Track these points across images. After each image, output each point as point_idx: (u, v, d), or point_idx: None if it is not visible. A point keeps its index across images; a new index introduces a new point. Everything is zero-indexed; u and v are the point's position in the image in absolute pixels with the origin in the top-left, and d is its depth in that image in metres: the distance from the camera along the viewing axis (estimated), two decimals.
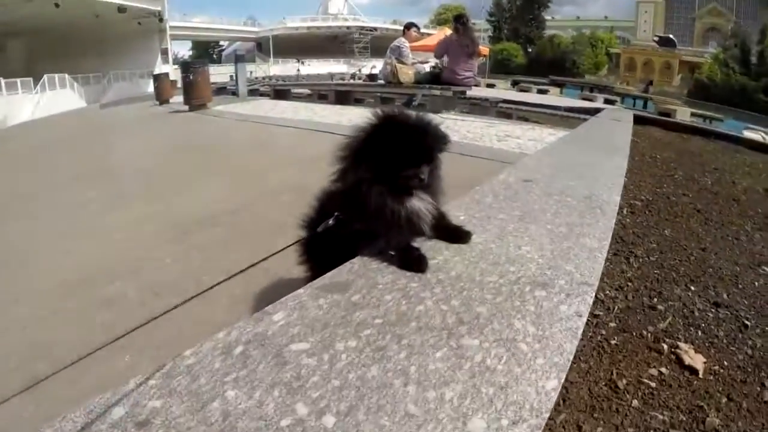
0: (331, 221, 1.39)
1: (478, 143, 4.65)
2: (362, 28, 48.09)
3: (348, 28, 48.25)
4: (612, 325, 1.68)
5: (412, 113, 1.34)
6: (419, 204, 1.34)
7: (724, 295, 1.93)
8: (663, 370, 1.42)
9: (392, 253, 1.36)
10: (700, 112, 15.79)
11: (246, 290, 1.96)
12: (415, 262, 1.33)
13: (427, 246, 1.45)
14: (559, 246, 1.54)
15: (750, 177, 4.48)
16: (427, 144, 1.31)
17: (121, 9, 26.74)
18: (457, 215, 1.76)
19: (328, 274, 1.31)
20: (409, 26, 7.99)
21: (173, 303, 1.92)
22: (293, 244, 1.49)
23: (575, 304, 1.21)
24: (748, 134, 8.56)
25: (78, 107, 21.95)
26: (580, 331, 1.11)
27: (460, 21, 7.01)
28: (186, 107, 8.46)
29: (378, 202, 1.27)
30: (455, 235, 1.52)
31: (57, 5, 23.42)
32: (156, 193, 3.68)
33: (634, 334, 1.62)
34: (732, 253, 2.44)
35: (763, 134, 9.19)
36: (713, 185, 3.96)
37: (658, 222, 2.87)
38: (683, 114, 11.15)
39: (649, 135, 6.35)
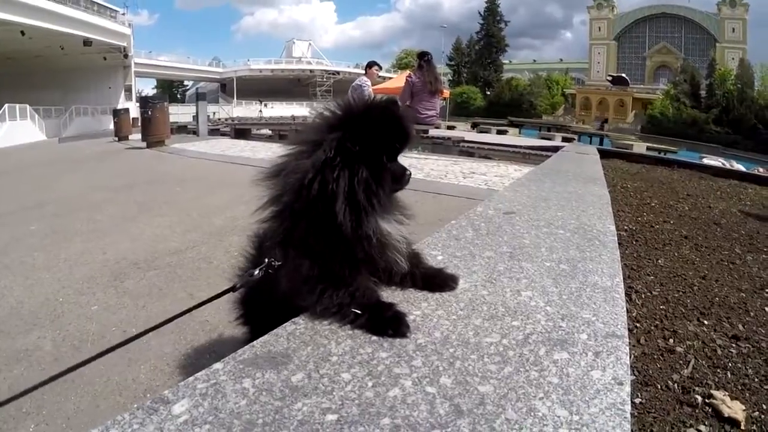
0: (256, 272, 1.00)
1: (444, 180, 4.54)
2: (325, 71, 48.85)
3: (311, 71, 48.93)
4: (631, 378, 1.40)
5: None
6: (388, 226, 1.01)
7: (740, 326, 1.82)
8: (702, 429, 1.20)
9: (357, 311, 0.97)
10: (655, 146, 16.43)
11: (177, 346, 1.79)
12: (391, 323, 0.95)
13: (399, 297, 1.09)
14: (567, 288, 1.22)
15: (723, 201, 4.49)
16: (410, 131, 1.02)
17: (87, 42, 26.33)
18: (433, 254, 1.42)
19: (259, 340, 0.92)
20: (371, 65, 7.93)
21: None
22: (217, 296, 1.09)
23: (610, 366, 0.89)
24: (707, 161, 8.79)
25: (37, 140, 21.07)
26: (628, 408, 0.78)
27: (424, 58, 6.98)
28: (143, 144, 8.23)
29: (358, 216, 0.95)
30: (436, 280, 1.15)
31: (23, 33, 22.88)
32: (97, 230, 3.45)
33: (660, 386, 1.39)
34: (732, 278, 2.36)
35: (722, 162, 9.45)
36: (691, 210, 3.92)
37: (649, 252, 2.70)
38: (639, 149, 11.48)
39: (615, 167, 6.43)
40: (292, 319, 0.99)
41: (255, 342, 0.92)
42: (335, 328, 0.96)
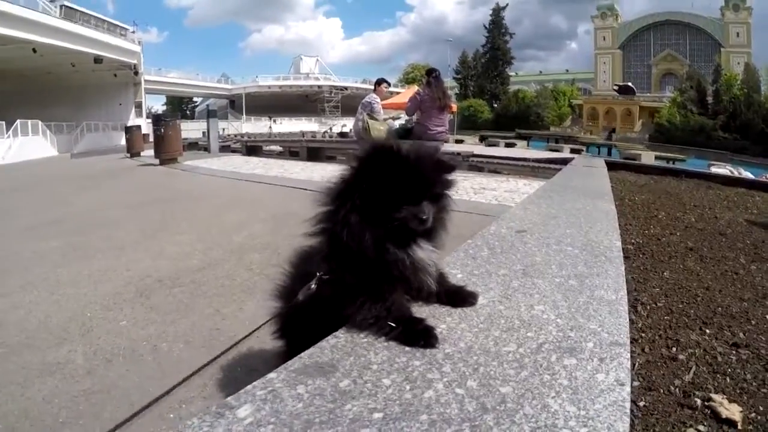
0: (313, 285, 1.15)
1: (455, 197, 4.60)
2: (333, 87, 49.42)
3: (319, 87, 49.53)
4: (635, 384, 1.51)
5: (410, 142, 1.16)
6: (421, 253, 1.14)
7: (741, 334, 1.86)
8: (701, 428, 1.28)
9: (392, 324, 1.11)
10: (663, 154, 16.42)
11: (208, 360, 1.84)
12: (422, 335, 1.09)
13: (426, 312, 1.24)
14: (575, 302, 1.35)
15: (729, 210, 4.53)
16: (428, 176, 1.13)
17: (98, 60, 26.96)
18: (452, 273, 1.56)
19: (306, 353, 1.06)
20: (380, 82, 7.98)
21: (124, 371, 1.80)
22: (268, 321, 1.24)
23: (612, 370, 1.03)
24: (715, 170, 8.82)
25: (49, 155, 21.49)
26: (628, 405, 0.91)
27: (432, 75, 7.04)
28: (156, 161, 8.46)
29: (378, 249, 1.07)
30: (458, 297, 1.30)
31: (35, 50, 23.38)
32: (118, 247, 3.52)
33: (662, 391, 1.47)
34: (735, 288, 2.40)
35: (729, 169, 9.49)
36: (697, 221, 3.97)
37: (655, 264, 2.78)
38: (648, 158, 11.52)
39: (622, 179, 6.46)
40: (333, 334, 1.13)
41: (302, 354, 1.06)
42: (372, 341, 1.10)
